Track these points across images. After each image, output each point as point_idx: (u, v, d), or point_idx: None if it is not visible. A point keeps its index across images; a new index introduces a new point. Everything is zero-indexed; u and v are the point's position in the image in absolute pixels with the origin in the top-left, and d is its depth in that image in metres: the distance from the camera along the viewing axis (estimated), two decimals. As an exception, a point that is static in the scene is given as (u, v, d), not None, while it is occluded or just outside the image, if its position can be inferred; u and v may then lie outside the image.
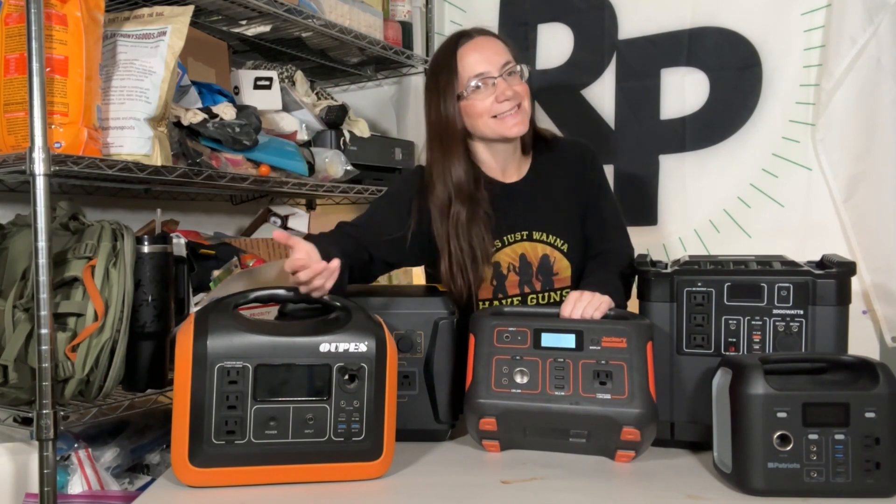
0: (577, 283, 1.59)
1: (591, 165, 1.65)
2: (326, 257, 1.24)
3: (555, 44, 2.33)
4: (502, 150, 1.59)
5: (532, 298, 1.60)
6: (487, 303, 1.59)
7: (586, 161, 1.65)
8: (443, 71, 1.54)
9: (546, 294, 1.60)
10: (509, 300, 1.59)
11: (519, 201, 1.60)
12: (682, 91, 2.17)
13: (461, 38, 1.55)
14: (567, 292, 1.58)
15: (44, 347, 1.34)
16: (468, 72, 1.51)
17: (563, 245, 1.59)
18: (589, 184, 1.63)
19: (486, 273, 1.56)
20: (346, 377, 1.15)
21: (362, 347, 1.16)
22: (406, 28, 2.45)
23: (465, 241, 1.51)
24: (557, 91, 2.31)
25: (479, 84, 1.50)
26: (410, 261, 1.70)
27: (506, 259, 1.59)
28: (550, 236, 1.59)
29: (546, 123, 2.32)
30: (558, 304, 1.53)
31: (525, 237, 1.59)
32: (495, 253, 1.57)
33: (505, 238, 1.58)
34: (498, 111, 1.51)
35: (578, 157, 1.65)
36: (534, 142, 1.64)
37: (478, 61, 1.51)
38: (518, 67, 1.54)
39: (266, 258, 2.09)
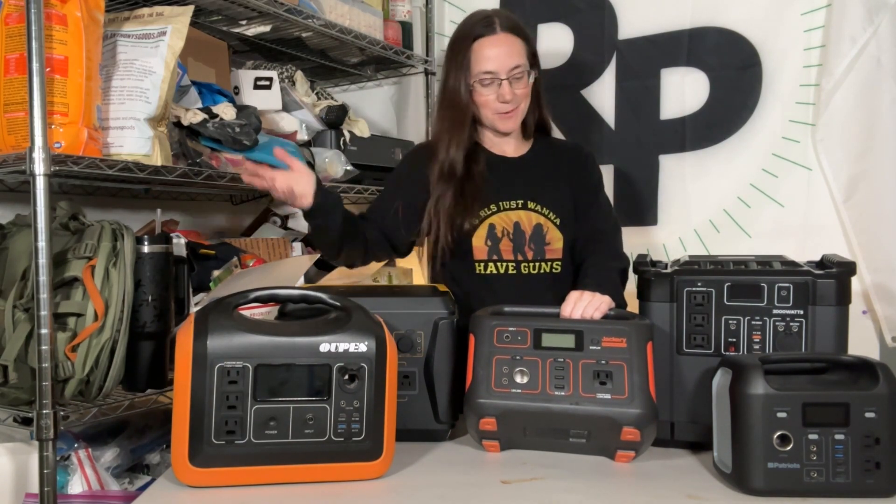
0: (569, 258, 1.67)
1: (589, 166, 1.73)
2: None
3: (555, 44, 2.33)
4: (498, 134, 1.70)
5: (525, 266, 1.65)
6: (482, 264, 1.65)
7: (583, 161, 1.73)
8: (461, 50, 1.61)
9: (538, 263, 1.65)
10: (504, 264, 1.64)
11: (517, 173, 1.69)
12: (682, 91, 2.17)
13: (485, 28, 1.60)
14: (559, 265, 1.65)
15: (44, 347, 1.34)
16: (479, 66, 1.59)
17: (555, 218, 1.66)
18: (586, 181, 1.71)
19: (479, 231, 1.63)
20: (346, 377, 1.15)
21: (362, 347, 1.16)
22: (406, 28, 2.45)
23: (458, 197, 1.61)
24: (557, 91, 2.31)
25: (487, 81, 1.59)
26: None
27: (500, 223, 1.65)
28: (545, 208, 1.66)
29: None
30: (549, 276, 1.64)
31: (521, 206, 1.65)
32: (491, 215, 1.64)
33: (501, 203, 1.65)
34: (496, 109, 1.62)
35: (577, 156, 1.74)
36: (537, 131, 1.74)
37: (489, 59, 1.58)
38: (526, 72, 1.61)
39: (266, 258, 2.09)
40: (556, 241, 1.65)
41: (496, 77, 1.59)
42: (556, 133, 2.25)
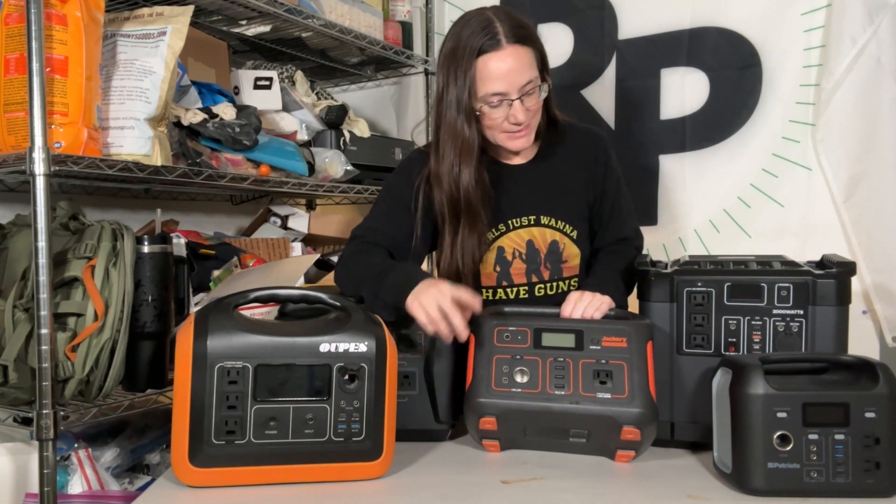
0: (586, 272, 1.55)
1: (605, 154, 1.58)
2: None
3: (555, 44, 2.33)
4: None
5: (539, 288, 1.54)
6: (491, 291, 1.55)
7: (599, 149, 1.58)
8: (461, 67, 1.41)
9: (554, 283, 1.54)
10: (515, 289, 1.54)
11: (525, 184, 1.54)
12: (682, 91, 2.17)
13: (488, 41, 1.39)
14: (576, 282, 1.55)
15: (44, 347, 1.34)
16: (486, 86, 1.40)
17: (572, 231, 1.53)
18: (602, 172, 1.56)
19: (486, 257, 1.52)
20: (346, 377, 1.15)
21: (362, 347, 1.16)
22: (406, 28, 2.45)
23: (471, 232, 1.46)
24: (557, 91, 2.26)
25: (495, 103, 1.42)
26: (428, 249, 1.58)
27: (510, 244, 1.53)
28: (560, 222, 1.53)
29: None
30: (564, 295, 1.47)
31: (533, 222, 1.52)
32: (499, 237, 1.52)
33: (510, 222, 1.52)
34: (506, 129, 1.46)
35: (591, 144, 1.58)
36: (546, 126, 1.57)
37: (497, 79, 1.39)
38: (538, 86, 1.44)
39: (266, 258, 2.09)
40: (573, 257, 1.54)
41: (506, 98, 1.41)
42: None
